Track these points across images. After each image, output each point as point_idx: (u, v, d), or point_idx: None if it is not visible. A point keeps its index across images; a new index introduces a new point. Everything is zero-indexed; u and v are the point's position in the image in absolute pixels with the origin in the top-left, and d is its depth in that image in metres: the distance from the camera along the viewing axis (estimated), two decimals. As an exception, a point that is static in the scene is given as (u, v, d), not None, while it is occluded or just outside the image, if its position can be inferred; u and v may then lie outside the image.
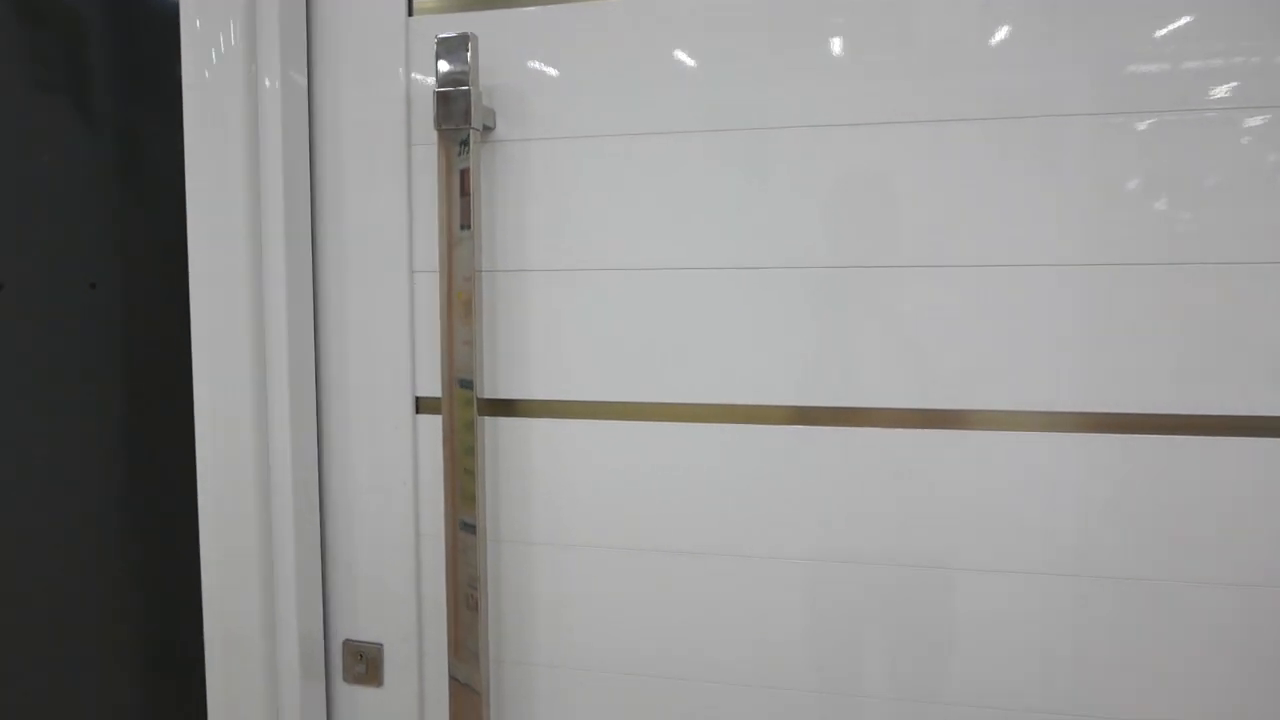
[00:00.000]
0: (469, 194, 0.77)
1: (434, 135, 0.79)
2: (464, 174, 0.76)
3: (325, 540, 0.89)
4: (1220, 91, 0.73)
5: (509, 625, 0.87)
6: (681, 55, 0.80)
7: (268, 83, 0.84)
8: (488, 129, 0.82)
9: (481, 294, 0.82)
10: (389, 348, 0.87)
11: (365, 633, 0.89)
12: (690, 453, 0.83)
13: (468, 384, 0.79)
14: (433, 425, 0.86)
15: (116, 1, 0.94)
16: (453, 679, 0.80)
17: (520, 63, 0.82)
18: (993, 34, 0.77)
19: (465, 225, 0.77)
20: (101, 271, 0.90)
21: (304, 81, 0.88)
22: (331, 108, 0.87)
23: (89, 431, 0.90)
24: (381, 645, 0.89)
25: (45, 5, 0.88)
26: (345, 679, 0.90)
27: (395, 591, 0.88)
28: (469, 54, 0.77)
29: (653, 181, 0.81)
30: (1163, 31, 0.74)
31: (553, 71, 0.82)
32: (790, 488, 0.82)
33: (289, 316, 0.83)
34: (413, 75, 0.85)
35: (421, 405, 0.87)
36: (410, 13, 0.84)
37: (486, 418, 0.85)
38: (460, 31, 0.78)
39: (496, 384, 0.86)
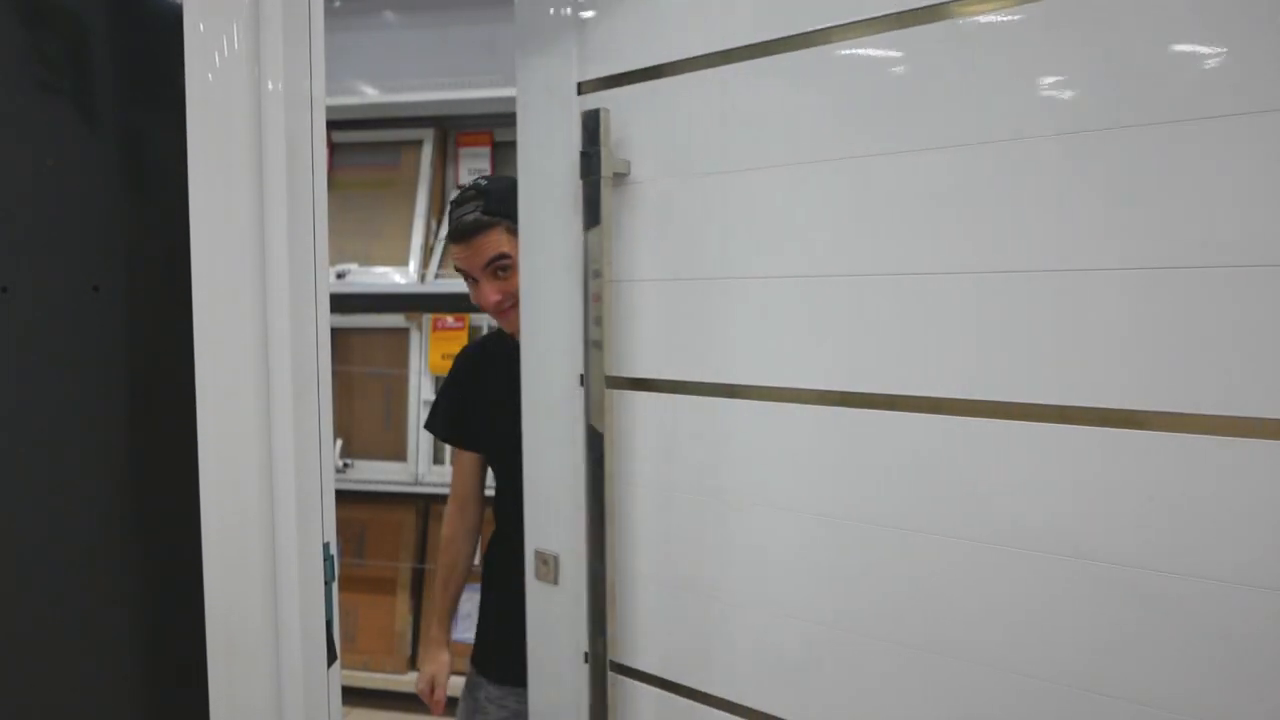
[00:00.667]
0: (601, 223, 1.05)
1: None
2: (598, 209, 1.05)
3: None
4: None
5: (621, 542, 1.14)
6: (765, 110, 0.98)
7: (270, 85, 0.85)
8: (620, 175, 1.07)
9: (611, 297, 1.09)
10: (566, 335, 1.14)
11: (548, 544, 1.19)
12: (768, 428, 1.00)
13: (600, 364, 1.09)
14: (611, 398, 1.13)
15: (120, 3, 0.95)
16: (592, 577, 1.12)
17: (649, 122, 1.07)
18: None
19: (599, 247, 1.06)
20: (104, 275, 0.90)
21: (307, 84, 0.89)
22: (533, 156, 1.16)
23: (91, 435, 0.90)
24: (559, 555, 1.17)
25: (48, 7, 0.88)
26: (535, 577, 1.20)
27: (567, 516, 1.16)
28: (600, 125, 1.04)
29: (745, 207, 0.99)
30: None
31: (668, 128, 1.05)
32: (832, 460, 0.95)
33: (292, 318, 0.84)
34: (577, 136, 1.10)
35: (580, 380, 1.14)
36: (579, 92, 1.12)
37: (614, 390, 1.11)
38: (598, 107, 1.05)
39: (621, 365, 1.11)
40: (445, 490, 2.55)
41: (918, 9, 0.86)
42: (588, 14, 1.11)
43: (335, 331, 2.64)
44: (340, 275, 2.61)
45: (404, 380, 2.58)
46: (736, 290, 1.01)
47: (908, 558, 0.90)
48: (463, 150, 2.75)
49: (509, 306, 1.36)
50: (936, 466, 0.88)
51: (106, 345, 0.91)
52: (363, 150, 2.80)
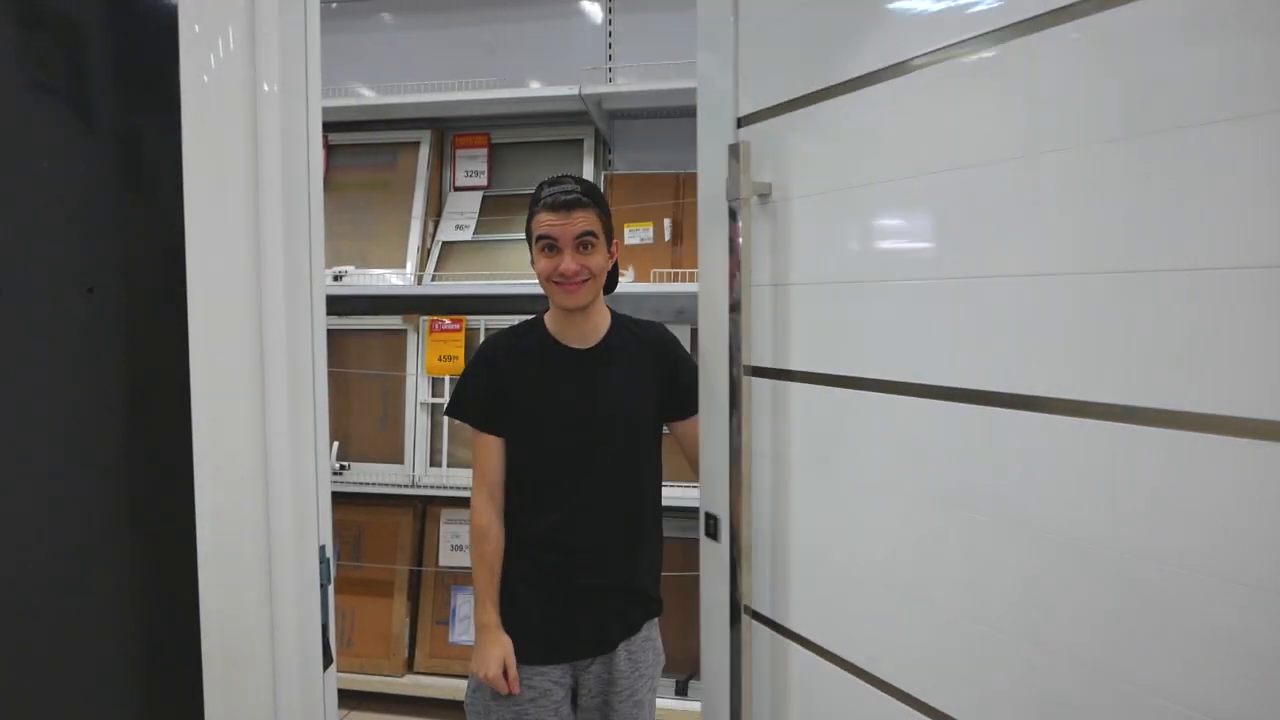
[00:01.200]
0: (742, 238, 1.24)
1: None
2: (740, 227, 1.24)
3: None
4: None
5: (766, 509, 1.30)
6: (885, 128, 1.08)
7: (266, 87, 0.85)
8: (763, 196, 1.26)
9: (750, 299, 1.27)
10: (724, 330, 1.30)
11: (713, 507, 1.36)
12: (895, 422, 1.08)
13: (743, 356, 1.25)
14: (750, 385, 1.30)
15: (116, 6, 0.94)
16: (731, 534, 1.29)
17: (790, 146, 1.24)
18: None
19: (741, 256, 1.24)
20: (99, 276, 0.90)
21: (303, 86, 0.89)
22: (706, 180, 1.33)
23: (85, 437, 0.90)
24: (719, 516, 1.33)
25: (43, 8, 0.88)
26: (705, 534, 1.37)
27: (724, 485, 1.31)
28: (740, 155, 1.25)
29: (871, 216, 1.10)
30: None
31: (805, 150, 1.22)
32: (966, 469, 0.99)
33: (287, 320, 0.83)
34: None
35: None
36: (738, 126, 1.31)
37: (757, 379, 1.27)
38: (740, 141, 1.26)
39: (763, 356, 1.27)
40: (442, 493, 2.56)
41: (1056, 9, 0.87)
42: (744, 63, 1.33)
43: (332, 333, 2.62)
44: (337, 277, 2.60)
45: (401, 382, 2.58)
46: (869, 293, 1.11)
47: (1041, 559, 0.90)
48: (460, 152, 2.75)
49: (582, 280, 1.46)
50: (1074, 470, 0.87)
51: (101, 347, 0.91)
52: (360, 152, 2.80)
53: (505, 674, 1.44)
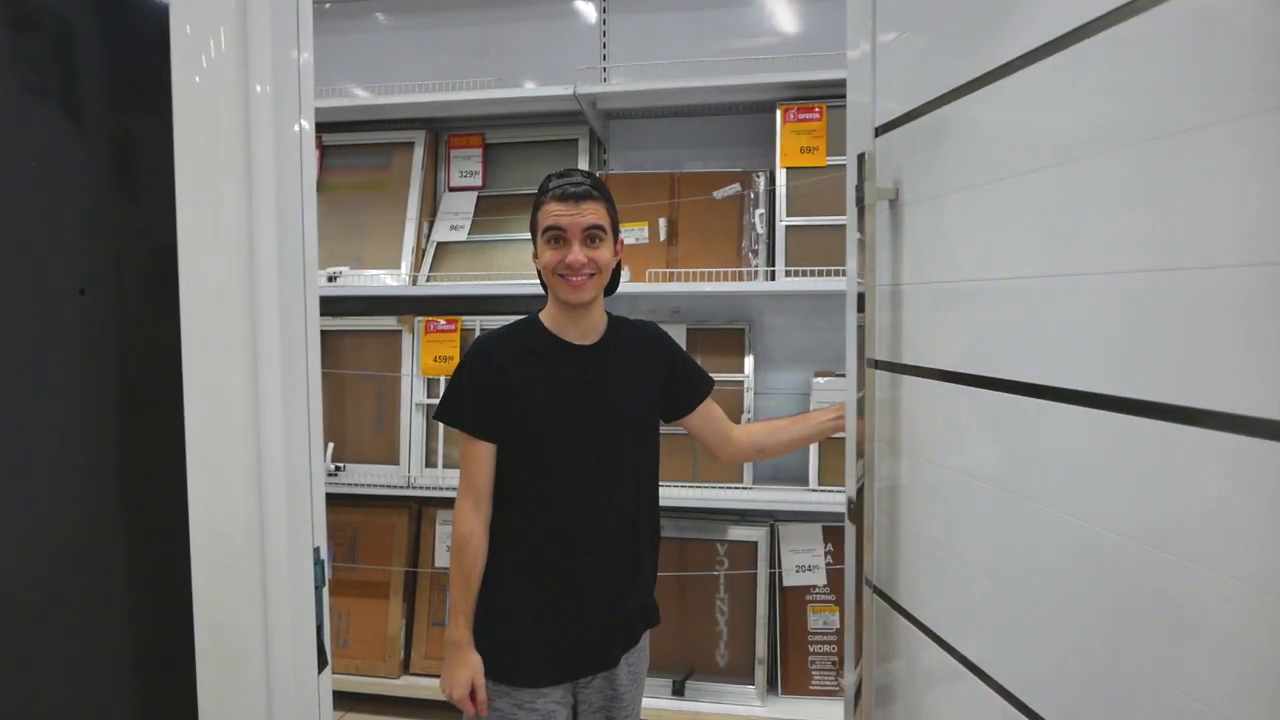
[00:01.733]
0: (864, 240, 1.35)
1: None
2: (867, 229, 1.36)
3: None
4: None
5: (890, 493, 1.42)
6: (1004, 131, 1.11)
7: (258, 88, 0.84)
8: (892, 201, 1.37)
9: (874, 297, 1.39)
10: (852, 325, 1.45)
11: (851, 490, 1.45)
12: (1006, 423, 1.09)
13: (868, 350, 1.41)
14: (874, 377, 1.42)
15: (106, 6, 0.94)
16: (854, 512, 1.44)
17: (917, 151, 1.32)
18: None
19: (867, 257, 1.37)
20: (90, 277, 0.90)
21: (296, 86, 0.88)
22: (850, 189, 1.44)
23: (77, 438, 0.89)
24: (853, 498, 1.44)
25: (33, 8, 0.88)
26: (848, 518, 1.47)
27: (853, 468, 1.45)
28: (865, 164, 1.36)
29: (1000, 216, 1.11)
30: None
31: (928, 155, 1.29)
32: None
33: (281, 321, 0.83)
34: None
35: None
36: (876, 134, 1.42)
37: (880, 372, 1.37)
38: (865, 150, 1.39)
39: (884, 350, 1.38)
40: (438, 494, 2.55)
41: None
42: (880, 76, 1.46)
43: (326, 334, 2.63)
44: (331, 278, 2.60)
45: (396, 383, 2.57)
46: (992, 292, 1.13)
47: (1194, 595, 0.81)
48: (454, 152, 2.75)
49: (589, 275, 1.43)
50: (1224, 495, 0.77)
51: (92, 348, 0.91)
52: (354, 152, 2.79)
53: (474, 696, 1.41)
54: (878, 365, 1.42)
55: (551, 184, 1.47)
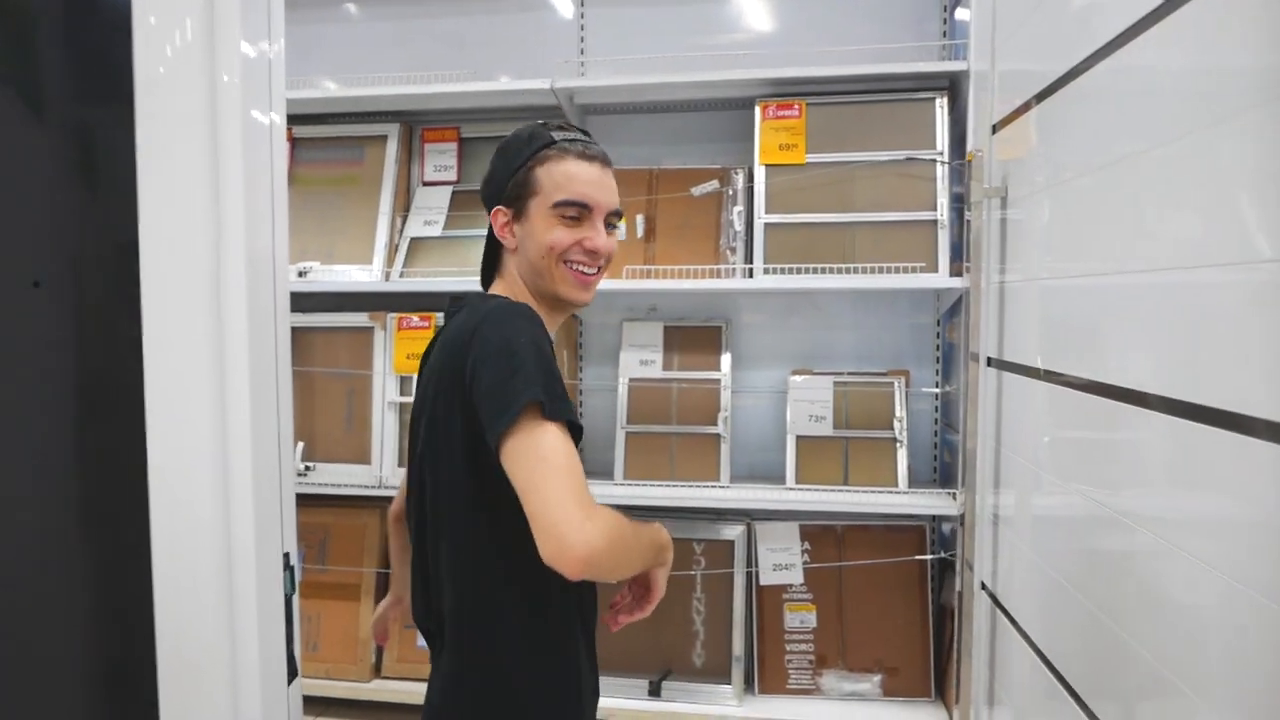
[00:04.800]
0: (969, 238, 1.39)
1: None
2: (973, 227, 1.43)
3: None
4: None
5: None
6: (1110, 120, 1.09)
7: (225, 78, 0.81)
8: (1002, 198, 1.42)
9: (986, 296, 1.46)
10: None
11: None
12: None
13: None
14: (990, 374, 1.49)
15: (63, -11, 0.90)
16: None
17: (1026, 148, 1.34)
18: None
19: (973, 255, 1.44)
20: (46, 270, 0.86)
21: (265, 77, 0.85)
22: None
23: (31, 438, 0.85)
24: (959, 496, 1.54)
25: (-14, -9, 0.84)
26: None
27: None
28: (971, 164, 1.44)
29: (1102, 207, 1.09)
30: None
31: (1034, 149, 1.29)
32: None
33: (249, 317, 0.80)
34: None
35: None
36: (993, 132, 1.47)
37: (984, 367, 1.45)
38: (976, 149, 1.47)
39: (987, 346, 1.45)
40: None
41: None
42: (998, 73, 1.49)
43: (296, 331, 2.55)
44: (301, 273, 2.54)
45: (367, 381, 2.53)
46: (1104, 286, 1.07)
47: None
48: (429, 146, 2.70)
49: (600, 266, 1.10)
50: None
51: (48, 343, 0.87)
52: (325, 145, 2.73)
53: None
54: (990, 364, 1.50)
55: (557, 135, 1.08)
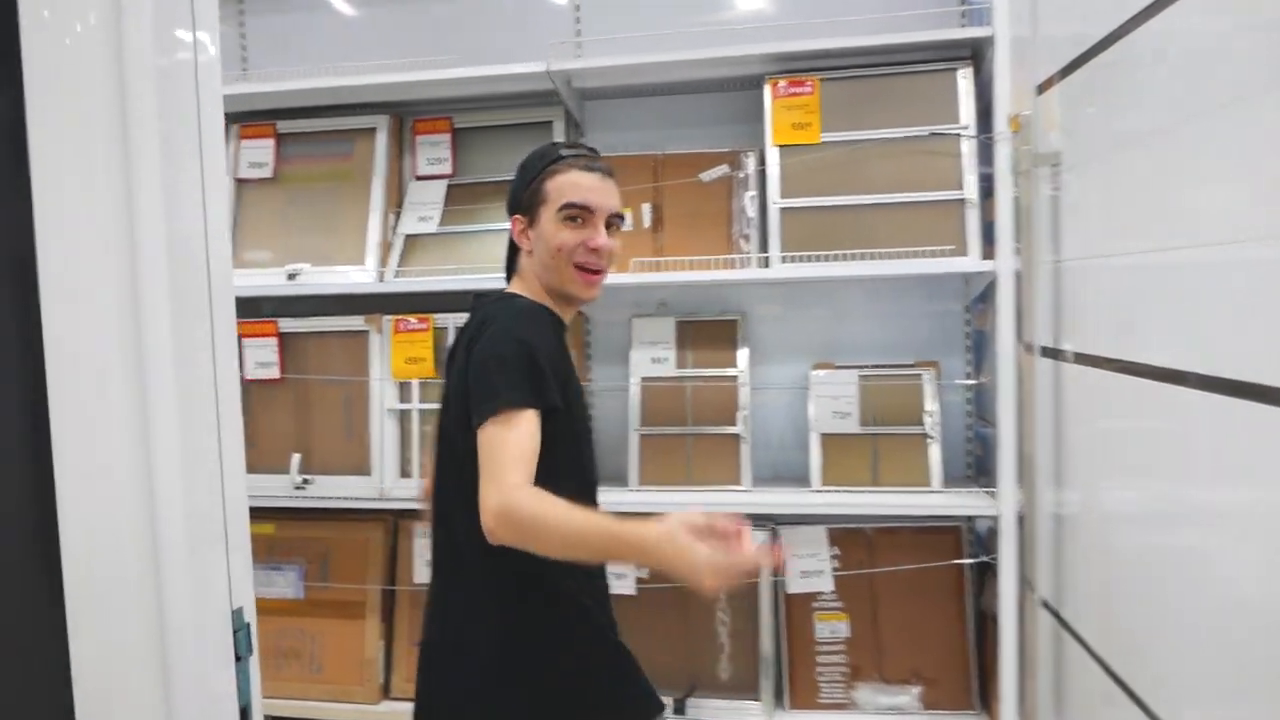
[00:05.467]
0: (1017, 213, 1.27)
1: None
2: (1023, 200, 1.25)
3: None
4: None
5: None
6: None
7: (136, 41, 0.66)
8: (1053, 165, 1.25)
9: (1033, 276, 1.28)
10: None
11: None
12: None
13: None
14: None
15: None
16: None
17: (1082, 103, 1.21)
18: None
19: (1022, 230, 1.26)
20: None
21: (189, 38, 0.71)
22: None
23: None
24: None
25: None
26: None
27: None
28: (1020, 128, 1.26)
29: (1161, 173, 0.97)
30: None
31: (1090, 111, 1.17)
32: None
33: (174, 323, 0.66)
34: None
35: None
36: (1039, 92, 1.29)
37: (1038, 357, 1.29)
38: (1022, 112, 1.33)
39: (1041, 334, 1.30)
40: (415, 505, 2.36)
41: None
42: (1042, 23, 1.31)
43: (288, 337, 2.44)
44: (291, 276, 2.41)
45: (364, 387, 2.39)
46: (1188, 262, 0.93)
47: None
48: (420, 138, 2.56)
49: (605, 266, 1.28)
50: None
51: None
52: (312, 140, 2.60)
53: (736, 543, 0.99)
54: (1044, 353, 1.32)
55: (564, 152, 1.30)
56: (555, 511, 1.03)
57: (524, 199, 1.30)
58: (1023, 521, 1.79)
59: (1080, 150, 1.27)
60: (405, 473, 2.38)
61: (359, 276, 2.40)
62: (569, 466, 1.23)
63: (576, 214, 1.24)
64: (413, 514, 2.40)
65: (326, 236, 2.49)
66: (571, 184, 1.25)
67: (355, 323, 2.41)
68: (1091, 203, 1.25)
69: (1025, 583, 1.37)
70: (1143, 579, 1.06)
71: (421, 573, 2.37)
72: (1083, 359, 1.23)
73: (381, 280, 2.39)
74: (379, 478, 2.35)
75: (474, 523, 1.07)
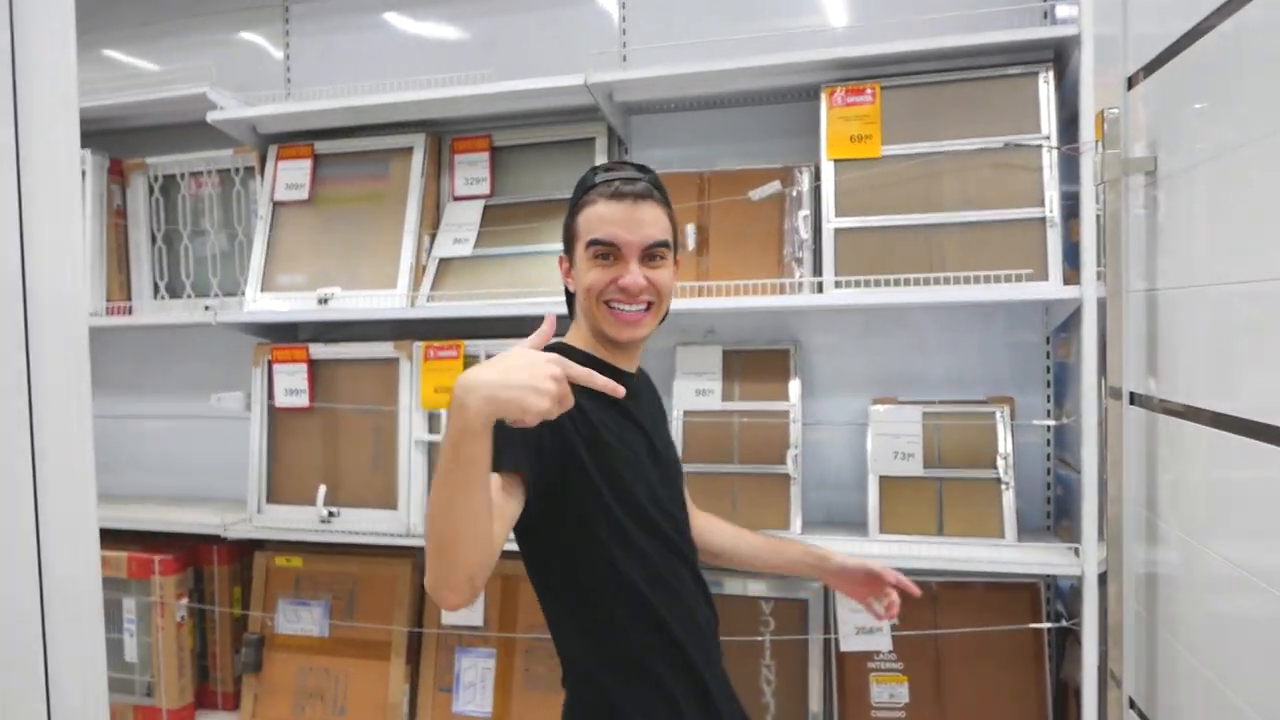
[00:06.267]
0: (1102, 229, 1.08)
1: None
2: (1110, 213, 1.05)
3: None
4: None
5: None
6: None
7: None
8: (1149, 173, 1.09)
9: (1126, 309, 1.09)
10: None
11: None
12: None
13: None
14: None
15: None
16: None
17: (1185, 99, 1.01)
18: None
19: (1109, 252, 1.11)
20: None
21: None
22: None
23: None
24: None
25: None
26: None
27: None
28: (1106, 130, 1.13)
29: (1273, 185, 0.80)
30: None
31: (1191, 111, 0.97)
32: None
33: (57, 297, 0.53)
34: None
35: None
36: (1129, 87, 1.19)
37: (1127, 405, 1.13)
38: (1108, 110, 1.17)
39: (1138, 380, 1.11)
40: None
41: None
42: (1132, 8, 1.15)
43: (319, 364, 2.37)
44: (323, 300, 2.33)
45: (393, 417, 2.29)
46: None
47: None
48: (458, 157, 2.46)
49: (646, 304, 1.14)
50: None
51: None
52: (348, 161, 2.52)
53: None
54: (1134, 400, 1.14)
55: (598, 178, 1.18)
56: (433, 505, 0.89)
57: (565, 236, 1.23)
58: (1104, 583, 1.58)
59: (1179, 157, 1.07)
60: (435, 507, 2.26)
61: (390, 301, 2.30)
62: (621, 549, 1.10)
63: (604, 250, 1.14)
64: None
65: (360, 260, 2.41)
66: (597, 218, 1.14)
67: (385, 349, 2.31)
68: (1191, 220, 1.05)
69: (1108, 674, 1.15)
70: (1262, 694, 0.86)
71: (450, 614, 2.25)
72: (1171, 409, 1.03)
73: (413, 305, 2.29)
74: (405, 512, 2.24)
75: None
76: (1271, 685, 0.86)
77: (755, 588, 2.09)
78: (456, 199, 2.45)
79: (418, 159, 2.44)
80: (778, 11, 2.30)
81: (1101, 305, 1.63)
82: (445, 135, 2.50)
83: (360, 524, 2.26)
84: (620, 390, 0.89)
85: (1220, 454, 0.96)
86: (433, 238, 2.43)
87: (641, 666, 1.12)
